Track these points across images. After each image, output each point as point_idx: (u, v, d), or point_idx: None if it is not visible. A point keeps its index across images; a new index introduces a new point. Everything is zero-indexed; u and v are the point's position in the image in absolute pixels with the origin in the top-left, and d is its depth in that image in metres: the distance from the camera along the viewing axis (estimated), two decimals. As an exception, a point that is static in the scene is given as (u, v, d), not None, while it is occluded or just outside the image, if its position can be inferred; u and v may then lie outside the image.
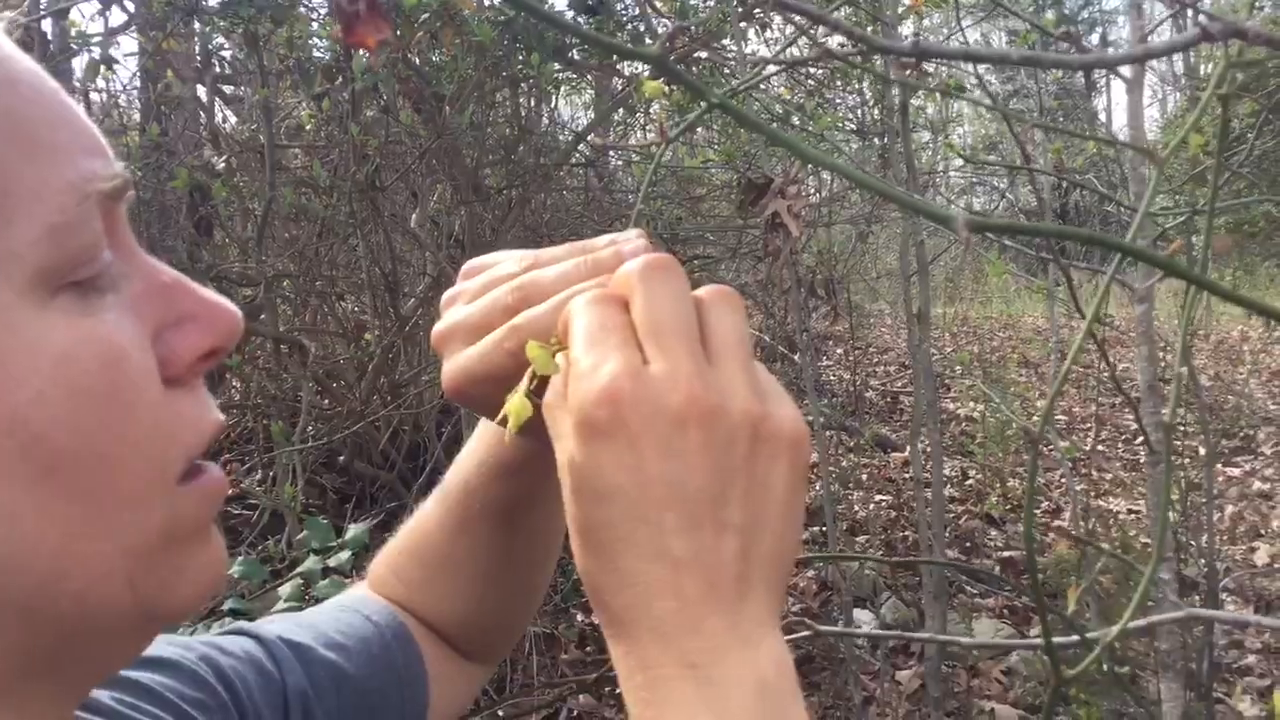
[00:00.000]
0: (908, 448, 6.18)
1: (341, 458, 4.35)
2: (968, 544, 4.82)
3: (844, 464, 5.68)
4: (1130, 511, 5.46)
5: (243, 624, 0.80)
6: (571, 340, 0.51)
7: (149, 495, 0.44)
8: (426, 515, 0.80)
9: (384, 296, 4.22)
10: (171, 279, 0.48)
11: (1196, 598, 3.60)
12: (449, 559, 0.80)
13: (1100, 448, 6.85)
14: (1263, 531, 5.19)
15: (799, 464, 0.50)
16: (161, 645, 0.68)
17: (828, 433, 6.15)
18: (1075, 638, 0.96)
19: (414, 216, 4.46)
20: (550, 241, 4.92)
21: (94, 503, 0.42)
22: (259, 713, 0.69)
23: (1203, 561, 2.98)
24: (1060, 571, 4.35)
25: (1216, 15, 0.67)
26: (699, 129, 4.56)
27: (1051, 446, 6.30)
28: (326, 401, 4.59)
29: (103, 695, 0.60)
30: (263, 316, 3.97)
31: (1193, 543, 3.11)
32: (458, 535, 0.78)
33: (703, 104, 0.67)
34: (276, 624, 0.79)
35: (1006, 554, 4.77)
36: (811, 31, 1.87)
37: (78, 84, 3.62)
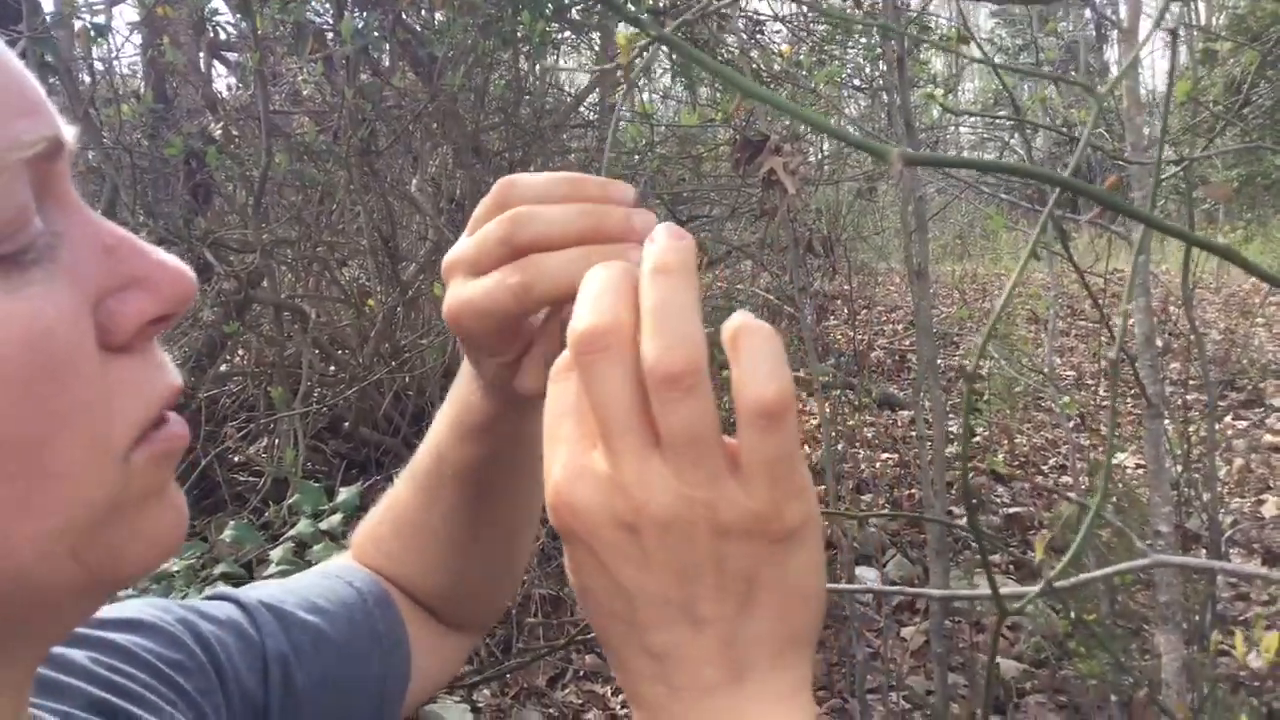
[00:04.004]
0: (914, 405, 6.18)
1: (345, 423, 4.36)
2: (973, 500, 4.82)
3: (850, 423, 5.67)
4: (1138, 466, 5.45)
5: (224, 589, 0.80)
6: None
7: (88, 470, 0.42)
8: (401, 487, 0.80)
9: (385, 262, 4.21)
10: (116, 240, 0.45)
11: (1202, 550, 3.60)
12: (424, 529, 0.79)
13: (1109, 403, 6.83)
14: (1271, 484, 5.18)
15: (781, 541, 0.46)
16: (141, 608, 0.68)
17: (834, 392, 6.15)
18: (1035, 588, 0.95)
19: (414, 181, 4.45)
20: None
21: (25, 483, 0.40)
22: (238, 675, 0.69)
23: (1205, 515, 2.98)
24: (1065, 528, 4.35)
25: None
26: (703, 88, 4.54)
27: (1054, 401, 6.29)
28: (331, 368, 4.60)
29: (78, 655, 0.60)
30: (263, 283, 3.97)
31: (1196, 496, 3.10)
32: (431, 504, 0.78)
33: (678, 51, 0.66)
34: (259, 589, 0.79)
35: (1012, 510, 4.77)
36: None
37: (79, 54, 3.60)
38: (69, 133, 0.46)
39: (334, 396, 4.05)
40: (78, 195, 0.46)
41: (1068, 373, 7.39)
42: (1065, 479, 5.28)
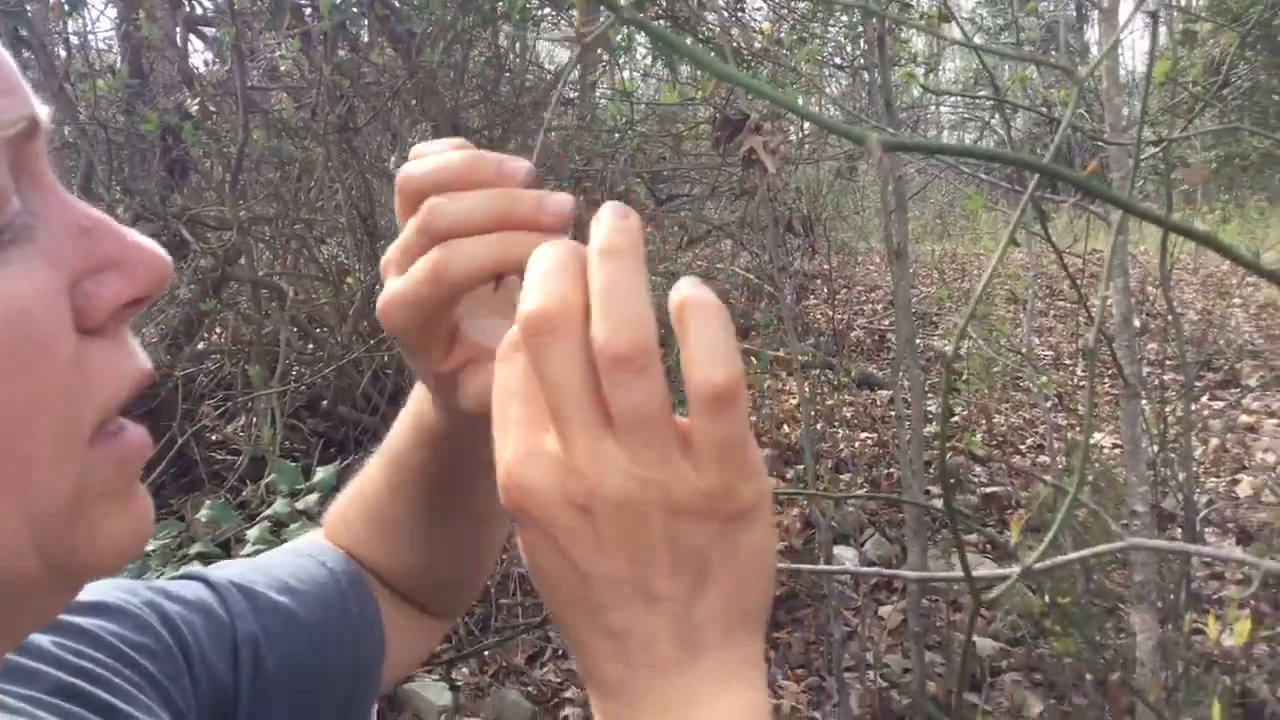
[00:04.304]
0: (893, 385, 6.20)
1: (324, 401, 4.35)
2: (951, 480, 4.84)
3: (829, 402, 5.69)
4: (1115, 446, 5.48)
5: (195, 568, 0.79)
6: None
7: (58, 455, 0.42)
8: (370, 471, 0.79)
9: (364, 240, 4.19)
10: (92, 221, 0.45)
11: (1178, 530, 3.63)
12: (389, 517, 0.79)
13: (1086, 383, 6.87)
14: (1246, 464, 5.22)
15: (733, 521, 0.46)
16: (107, 590, 0.67)
17: (814, 372, 6.16)
18: (1012, 570, 0.96)
19: (393, 158, 4.43)
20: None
21: None
22: (205, 658, 0.68)
23: (1181, 495, 3.00)
24: (1041, 508, 4.38)
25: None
26: (683, 67, 4.51)
27: (1031, 381, 6.32)
28: (310, 346, 4.58)
29: (44, 640, 0.60)
30: (241, 261, 3.94)
31: (1172, 475, 3.12)
32: (394, 497, 0.77)
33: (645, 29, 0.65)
34: (230, 568, 0.78)
35: (990, 489, 4.80)
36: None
37: (54, 28, 3.56)
38: (44, 112, 0.45)
39: (312, 375, 4.04)
40: (54, 176, 0.45)
41: (1045, 353, 7.43)
42: (1043, 458, 5.31)
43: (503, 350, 0.49)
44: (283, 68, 4.36)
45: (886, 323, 8.08)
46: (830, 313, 6.83)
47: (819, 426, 4.96)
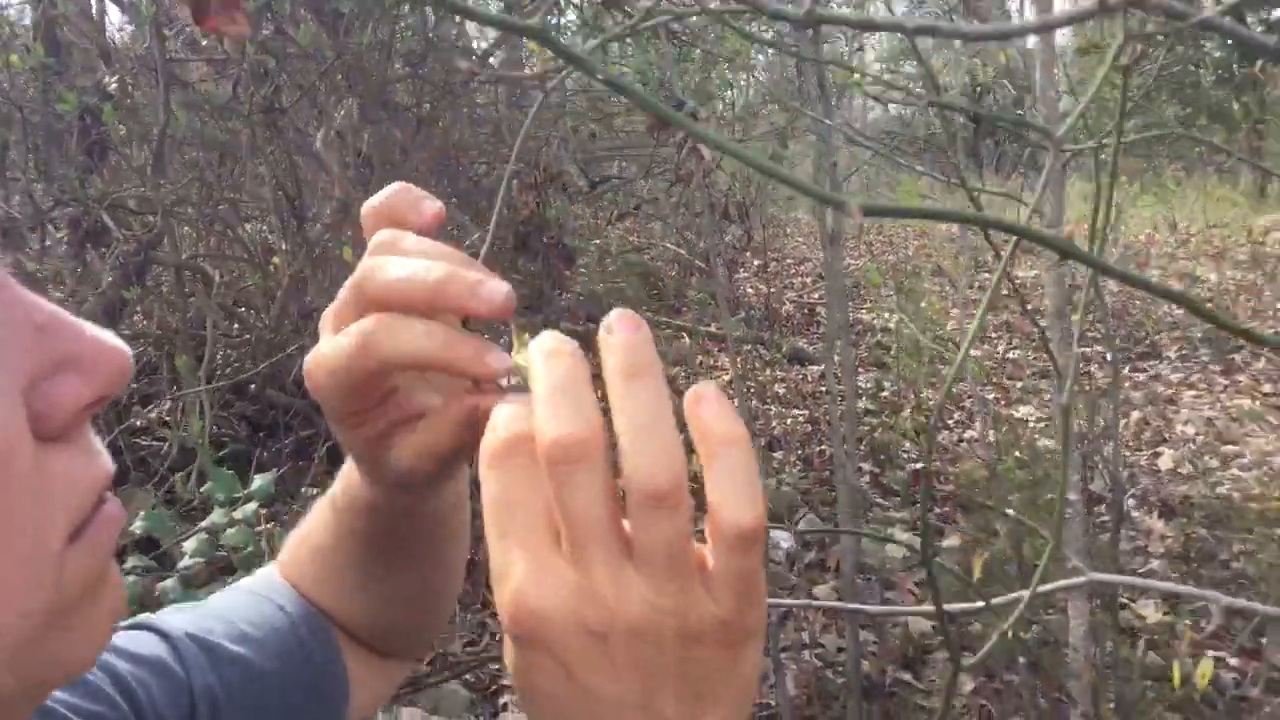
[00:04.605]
0: (824, 361, 6.25)
1: (253, 385, 4.27)
2: (882, 457, 4.90)
3: (760, 378, 5.72)
4: (1041, 419, 5.59)
5: (147, 617, 0.76)
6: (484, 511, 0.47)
7: (23, 577, 0.39)
8: (317, 516, 0.77)
9: (290, 221, 4.11)
10: (46, 318, 0.42)
11: (1101, 508, 3.71)
12: (336, 566, 0.77)
13: (1012, 354, 6.99)
14: (1166, 436, 5.34)
15: (733, 648, 0.46)
16: None
17: (745, 347, 6.19)
18: (978, 604, 0.96)
19: (319, 135, 4.34)
20: (459, 163, 4.85)
21: None
22: (161, 717, 0.66)
23: (1107, 474, 3.06)
24: (971, 483, 4.46)
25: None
26: (615, 44, 4.47)
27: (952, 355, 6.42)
28: (236, 327, 4.50)
29: None
30: (163, 243, 3.84)
31: (1098, 455, 3.18)
32: (337, 548, 0.75)
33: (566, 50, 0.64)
34: (183, 615, 0.75)
35: (919, 466, 4.86)
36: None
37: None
38: None
39: (240, 361, 3.97)
40: (2, 268, 0.43)
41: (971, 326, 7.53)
42: (971, 433, 5.39)
43: (492, 456, 0.47)
44: (204, 41, 4.25)
45: (815, 296, 8.14)
46: (762, 287, 6.86)
47: (752, 404, 4.98)
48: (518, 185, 3.48)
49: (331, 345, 0.57)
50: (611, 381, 0.45)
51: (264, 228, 4.70)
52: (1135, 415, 5.59)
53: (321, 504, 0.77)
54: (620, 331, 0.46)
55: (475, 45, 4.83)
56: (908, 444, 5.12)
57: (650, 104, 0.59)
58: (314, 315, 4.25)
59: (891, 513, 4.40)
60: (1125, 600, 3.45)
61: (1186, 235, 11.73)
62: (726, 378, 5.85)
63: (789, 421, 5.27)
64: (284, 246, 4.33)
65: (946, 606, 0.92)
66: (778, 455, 4.79)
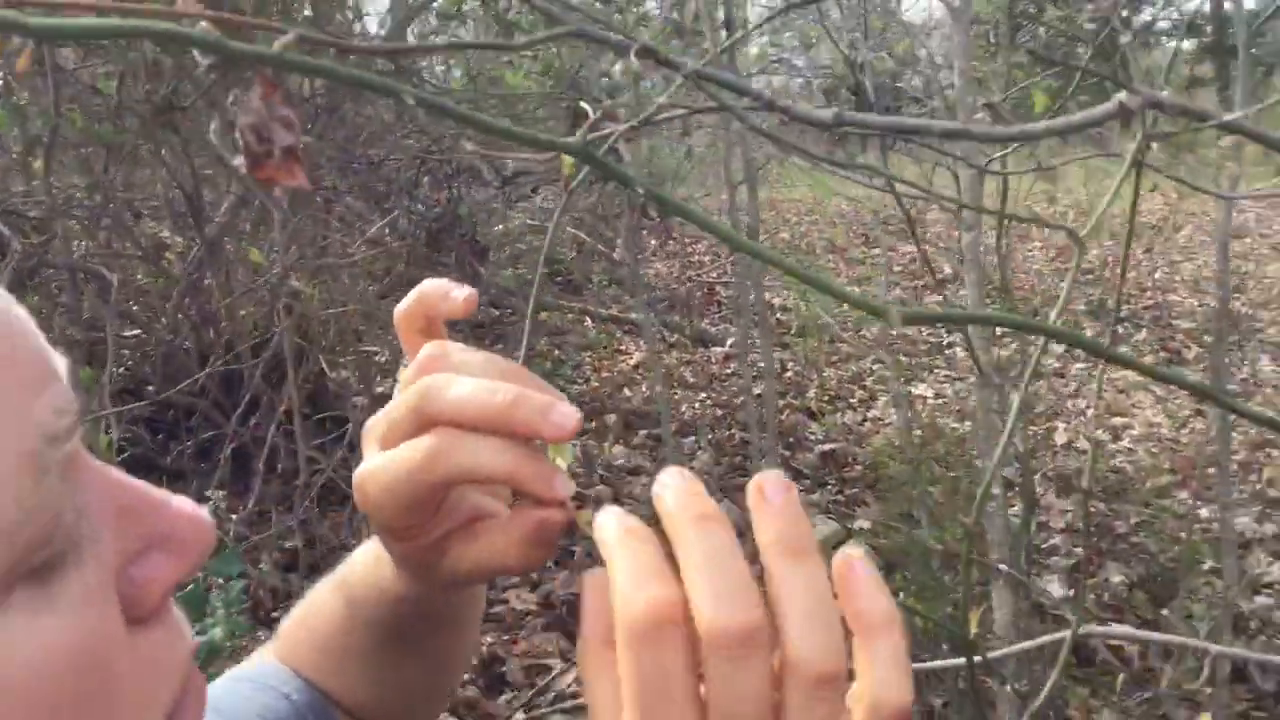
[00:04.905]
0: (729, 341, 6.30)
1: (150, 386, 4.15)
2: (790, 439, 4.96)
3: (667, 361, 5.74)
4: (938, 395, 5.72)
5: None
6: (623, 693, 0.45)
7: None
8: (323, 603, 0.76)
9: (186, 216, 3.99)
10: (131, 499, 0.41)
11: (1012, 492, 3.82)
12: (342, 652, 0.76)
13: (908, 331, 7.13)
14: (1058, 411, 5.51)
15: None
16: None
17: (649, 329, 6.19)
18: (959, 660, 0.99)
19: (212, 125, 4.20)
20: (363, 153, 4.75)
21: None
22: None
23: (1017, 461, 3.16)
24: (877, 465, 4.55)
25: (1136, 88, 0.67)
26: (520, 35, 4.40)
27: (861, 331, 6.52)
28: (132, 327, 4.35)
29: None
30: (54, 243, 3.69)
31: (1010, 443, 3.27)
32: (347, 636, 0.74)
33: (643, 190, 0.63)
34: None
35: (826, 447, 4.94)
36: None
37: None
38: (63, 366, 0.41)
39: (137, 364, 3.84)
40: (82, 448, 0.41)
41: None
42: (874, 412, 5.50)
43: (642, 631, 0.44)
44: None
45: (713, 275, 8.18)
46: (660, 268, 6.88)
47: (659, 389, 5.00)
48: (429, 182, 3.43)
49: (389, 460, 0.56)
50: (772, 557, 0.44)
51: (159, 227, 4.56)
52: (1028, 389, 5.75)
53: (325, 591, 0.76)
54: (775, 498, 0.45)
55: (375, 32, 4.73)
56: (814, 426, 5.20)
57: (716, 228, 0.59)
58: (214, 315, 4.15)
59: (803, 494, 4.46)
60: (1030, 576, 3.56)
61: (1065, 208, 12.08)
62: (633, 362, 5.87)
63: (697, 406, 5.30)
64: (178, 240, 4.21)
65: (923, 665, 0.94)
66: (688, 441, 4.82)
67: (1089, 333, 6.53)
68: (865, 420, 5.38)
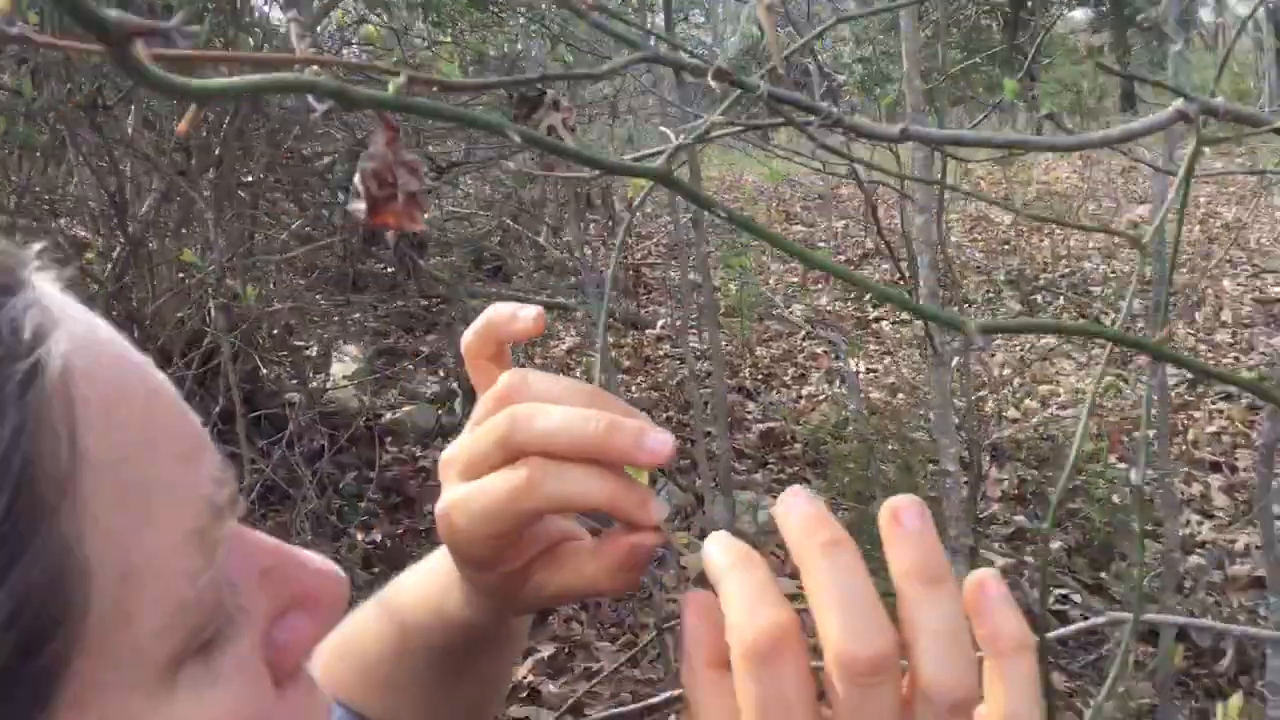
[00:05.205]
0: (659, 323, 6.31)
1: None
2: (729, 418, 4.99)
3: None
4: (870, 370, 5.79)
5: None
6: (744, 716, 0.44)
7: None
8: (368, 628, 0.74)
9: (110, 214, 3.88)
10: (272, 561, 0.41)
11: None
12: (390, 677, 0.74)
13: (833, 305, 7.21)
14: (985, 380, 5.60)
15: None
16: None
17: (576, 314, 6.18)
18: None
19: (129, 119, 4.09)
20: (288, 149, 4.65)
21: None
22: None
23: (963, 435, 3.22)
24: (817, 443, 4.60)
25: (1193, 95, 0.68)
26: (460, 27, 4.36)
27: (788, 311, 6.57)
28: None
29: None
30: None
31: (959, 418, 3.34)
32: (398, 661, 0.73)
33: (714, 212, 0.63)
34: None
35: (765, 425, 4.98)
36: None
37: None
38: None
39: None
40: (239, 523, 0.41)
41: (792, 279, 7.72)
42: (808, 389, 5.56)
43: (764, 652, 0.44)
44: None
45: (638, 256, 8.18)
46: (589, 251, 6.84)
47: (607, 376, 5.00)
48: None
49: (479, 489, 0.56)
50: (908, 583, 0.44)
51: (71, 224, 4.43)
52: (956, 360, 5.86)
53: (371, 618, 0.75)
54: (910, 524, 0.45)
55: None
56: (751, 405, 5.24)
57: (790, 247, 0.59)
58: (141, 317, 4.04)
59: (748, 474, 4.49)
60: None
61: (978, 180, 12.29)
62: (565, 347, 5.86)
63: (633, 390, 5.31)
64: (98, 237, 4.10)
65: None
66: (629, 425, 4.80)
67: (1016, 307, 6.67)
68: (800, 398, 5.43)
